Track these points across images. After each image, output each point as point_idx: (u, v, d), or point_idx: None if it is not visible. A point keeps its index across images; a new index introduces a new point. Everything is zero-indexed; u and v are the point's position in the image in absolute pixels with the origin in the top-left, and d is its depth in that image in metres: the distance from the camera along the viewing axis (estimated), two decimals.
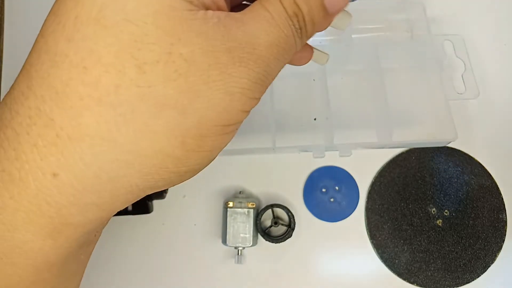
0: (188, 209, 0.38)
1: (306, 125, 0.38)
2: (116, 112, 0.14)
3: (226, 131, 0.16)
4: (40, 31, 0.15)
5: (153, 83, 0.14)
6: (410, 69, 0.39)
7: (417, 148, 0.39)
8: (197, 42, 0.14)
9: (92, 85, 0.14)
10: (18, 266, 0.16)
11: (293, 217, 0.36)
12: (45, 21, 0.15)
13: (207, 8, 0.15)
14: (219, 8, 0.16)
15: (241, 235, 0.35)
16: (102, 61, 0.14)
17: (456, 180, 0.38)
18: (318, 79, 0.39)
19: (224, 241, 0.35)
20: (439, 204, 0.37)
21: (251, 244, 0.35)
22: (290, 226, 0.36)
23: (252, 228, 0.35)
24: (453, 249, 0.36)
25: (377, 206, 0.37)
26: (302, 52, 0.21)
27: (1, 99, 0.16)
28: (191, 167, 0.16)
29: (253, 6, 0.16)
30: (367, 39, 0.40)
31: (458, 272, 0.36)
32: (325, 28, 0.18)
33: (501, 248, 0.36)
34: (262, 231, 0.36)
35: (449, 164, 0.38)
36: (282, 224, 0.36)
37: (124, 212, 0.35)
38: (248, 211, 0.35)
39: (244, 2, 0.19)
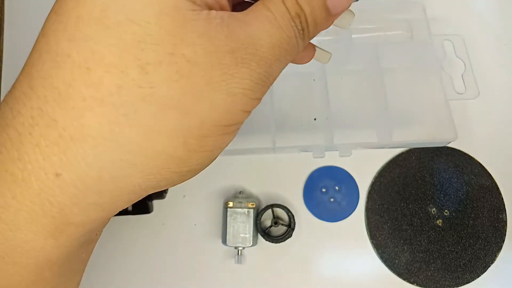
0: (188, 209, 0.38)
1: (306, 125, 0.38)
2: (119, 112, 0.14)
3: (228, 131, 0.16)
4: (41, 30, 0.15)
5: (156, 84, 0.14)
6: (410, 69, 0.39)
7: (417, 148, 0.39)
8: (200, 42, 0.14)
9: (95, 85, 0.14)
10: (19, 265, 0.16)
11: (293, 217, 0.36)
12: (46, 20, 0.15)
13: (210, 7, 0.15)
14: (222, 8, 0.16)
15: (241, 235, 0.35)
16: (105, 62, 0.14)
17: (456, 180, 0.38)
18: (318, 79, 0.39)
19: (224, 241, 0.35)
20: (439, 204, 0.37)
21: (251, 244, 0.35)
22: (290, 226, 0.36)
23: (252, 228, 0.35)
24: (453, 249, 0.36)
25: (377, 206, 0.37)
26: (304, 51, 0.21)
27: (2, 98, 0.16)
28: (192, 167, 0.16)
29: (256, 6, 0.16)
30: (367, 39, 0.41)
31: (458, 272, 0.36)
32: (327, 27, 0.18)
33: (501, 248, 0.36)
34: (262, 231, 0.36)
35: (449, 164, 0.38)
36: (282, 224, 0.36)
37: (124, 212, 0.35)
38: (248, 211, 0.35)
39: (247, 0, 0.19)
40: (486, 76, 0.41)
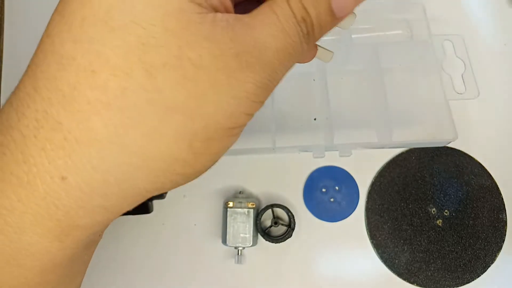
0: (188, 209, 0.38)
1: (306, 125, 0.38)
2: (124, 115, 0.14)
3: (231, 133, 0.16)
4: (46, 30, 0.15)
5: (161, 87, 0.14)
6: (410, 69, 0.39)
7: (417, 148, 0.39)
8: (206, 46, 0.14)
9: (100, 88, 0.14)
10: (24, 267, 0.16)
11: (293, 217, 0.36)
12: (50, 20, 0.15)
13: (215, 9, 0.15)
14: (226, 9, 0.16)
15: (241, 235, 0.35)
16: (110, 64, 0.14)
17: (456, 180, 0.38)
18: (318, 79, 0.39)
19: (224, 241, 0.35)
20: (439, 204, 0.37)
21: (251, 244, 0.35)
22: (290, 226, 0.36)
23: (252, 228, 0.35)
24: (453, 249, 0.36)
25: (377, 206, 0.37)
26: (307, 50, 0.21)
27: (5, 98, 0.16)
28: (197, 169, 0.16)
29: (262, 9, 0.16)
30: (367, 39, 0.41)
31: (458, 272, 0.36)
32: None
33: (501, 248, 0.36)
34: (262, 231, 0.36)
35: (449, 164, 0.38)
36: (282, 224, 0.36)
37: (124, 212, 0.35)
38: (248, 211, 0.35)
39: None
40: (486, 76, 0.41)
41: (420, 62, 0.39)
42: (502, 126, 0.40)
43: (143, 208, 0.36)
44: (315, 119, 0.38)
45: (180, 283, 0.36)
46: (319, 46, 0.21)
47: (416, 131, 0.37)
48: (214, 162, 0.17)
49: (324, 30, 0.17)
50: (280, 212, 0.37)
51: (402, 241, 0.36)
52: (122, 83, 0.14)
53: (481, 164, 0.38)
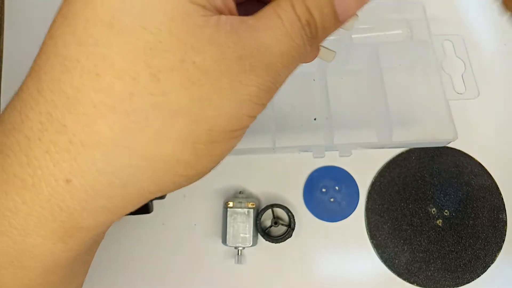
0: (188, 209, 0.38)
1: (306, 125, 0.38)
2: (130, 119, 0.14)
3: (234, 136, 0.16)
4: (49, 32, 0.15)
5: (167, 91, 0.14)
6: (410, 69, 0.39)
7: (417, 148, 0.39)
8: (210, 49, 0.14)
9: (105, 91, 0.14)
10: (28, 269, 0.16)
11: (293, 217, 0.36)
12: (53, 21, 0.15)
13: (220, 11, 0.15)
14: (230, 11, 0.16)
15: (241, 235, 0.35)
16: (115, 68, 0.14)
17: (456, 180, 0.38)
18: (318, 79, 0.39)
19: (224, 241, 0.35)
20: (439, 204, 0.37)
21: (251, 244, 0.35)
22: (290, 226, 0.36)
23: (252, 228, 0.35)
24: (453, 249, 0.36)
25: (377, 206, 0.37)
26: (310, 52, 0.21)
27: (5, 98, 0.16)
28: (200, 171, 0.16)
29: (266, 12, 0.16)
30: (367, 39, 0.40)
31: (458, 272, 0.36)
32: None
33: (501, 248, 0.36)
34: (262, 231, 0.36)
35: (449, 164, 0.38)
36: (282, 224, 0.36)
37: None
38: (248, 211, 0.35)
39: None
40: (486, 76, 0.41)
41: (420, 62, 0.39)
42: (502, 126, 0.40)
43: (143, 208, 0.36)
44: (315, 119, 0.38)
45: (180, 283, 0.36)
46: (322, 46, 0.21)
47: (416, 131, 0.37)
48: (217, 163, 0.17)
49: (327, 33, 0.17)
50: (280, 212, 0.37)
51: (402, 241, 0.36)
52: (128, 87, 0.14)
53: (481, 164, 0.38)
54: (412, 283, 0.36)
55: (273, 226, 0.36)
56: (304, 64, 0.21)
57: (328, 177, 0.38)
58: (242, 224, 0.35)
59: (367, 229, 0.37)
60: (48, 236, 0.16)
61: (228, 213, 0.35)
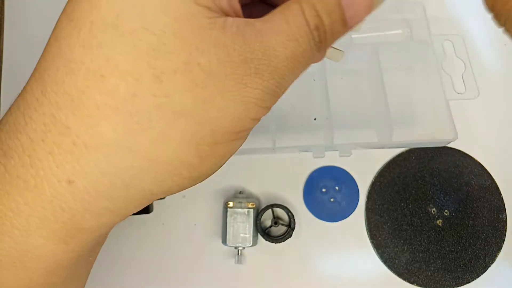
0: (188, 209, 0.38)
1: (306, 125, 0.38)
2: (133, 120, 0.14)
3: (238, 137, 0.16)
4: (53, 33, 0.15)
5: (170, 93, 0.14)
6: (410, 69, 0.39)
7: (417, 148, 0.39)
8: (215, 52, 0.14)
9: (109, 93, 0.14)
10: (30, 270, 0.16)
11: (293, 217, 0.36)
12: (57, 23, 0.15)
13: (225, 13, 0.15)
14: (236, 13, 0.16)
15: (241, 235, 0.35)
16: (119, 69, 0.14)
17: (456, 180, 0.38)
18: (318, 79, 0.39)
19: (224, 241, 0.35)
20: (439, 204, 0.37)
21: (251, 244, 0.35)
22: (290, 226, 0.36)
23: (252, 228, 0.35)
24: (453, 249, 0.36)
25: (377, 206, 0.37)
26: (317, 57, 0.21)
27: (5, 98, 0.16)
28: (203, 172, 0.16)
29: (274, 15, 0.16)
30: (367, 39, 0.40)
31: (458, 272, 0.36)
32: None
33: (501, 248, 0.36)
34: (262, 231, 0.36)
35: (449, 164, 0.38)
36: (282, 224, 0.36)
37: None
38: (248, 211, 0.35)
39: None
40: (486, 76, 0.41)
41: (420, 62, 0.39)
42: (502, 126, 0.40)
43: (143, 208, 0.36)
44: (315, 119, 0.38)
45: (180, 283, 0.36)
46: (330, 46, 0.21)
47: (416, 131, 0.37)
48: (220, 165, 0.17)
49: (335, 38, 0.17)
50: (280, 212, 0.37)
51: (402, 241, 0.36)
52: (131, 88, 0.14)
53: (481, 164, 0.38)
54: (412, 283, 0.36)
55: (273, 226, 0.36)
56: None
57: (328, 177, 0.38)
58: (242, 224, 0.35)
59: (367, 229, 0.37)
60: (50, 237, 0.16)
61: (228, 213, 0.35)
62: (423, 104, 0.38)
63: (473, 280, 0.36)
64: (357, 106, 0.39)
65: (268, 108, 0.17)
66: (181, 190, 0.17)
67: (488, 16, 0.19)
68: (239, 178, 0.38)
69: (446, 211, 0.37)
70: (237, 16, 0.16)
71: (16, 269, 0.16)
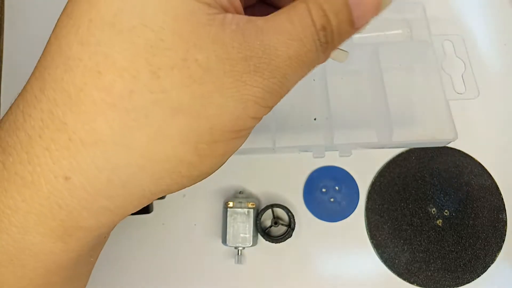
0: (188, 209, 0.38)
1: (306, 125, 0.38)
2: (130, 117, 0.14)
3: (238, 136, 0.16)
4: (53, 32, 0.15)
5: (167, 89, 0.14)
6: (410, 69, 0.39)
7: (417, 148, 0.39)
8: (213, 48, 0.14)
9: (106, 90, 0.14)
10: (28, 268, 0.16)
11: (293, 217, 0.36)
12: (58, 21, 0.15)
13: (225, 9, 0.15)
14: (236, 10, 0.16)
15: (241, 235, 0.35)
16: (116, 66, 0.14)
17: (456, 180, 0.38)
18: (318, 79, 0.39)
19: (224, 241, 0.35)
20: (439, 204, 0.37)
21: (251, 244, 0.35)
22: (290, 226, 0.36)
23: (252, 228, 0.35)
24: (453, 249, 0.36)
25: (377, 206, 0.37)
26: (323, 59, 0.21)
27: (5, 98, 0.16)
28: (203, 171, 0.16)
29: (278, 15, 0.15)
30: (367, 39, 0.40)
31: (458, 272, 0.36)
32: None
33: (501, 248, 0.36)
34: (262, 231, 0.36)
35: (449, 164, 0.38)
36: (282, 224, 0.36)
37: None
38: (248, 211, 0.35)
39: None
40: (486, 76, 0.41)
41: (420, 62, 0.39)
42: (502, 126, 0.40)
43: (143, 208, 0.36)
44: (315, 119, 0.38)
45: (180, 283, 0.36)
46: None
47: (416, 131, 0.37)
48: (220, 164, 0.17)
49: (342, 39, 0.17)
50: (280, 212, 0.37)
51: (402, 241, 0.36)
52: (128, 84, 0.14)
53: (481, 164, 0.38)
54: (412, 283, 0.36)
55: (273, 226, 0.36)
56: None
57: (328, 177, 0.38)
58: (242, 224, 0.35)
59: (367, 229, 0.37)
60: (48, 234, 0.16)
61: (228, 213, 0.35)
62: (423, 104, 0.38)
63: (473, 280, 0.36)
64: (357, 106, 0.39)
65: (270, 108, 0.16)
66: (181, 189, 0.17)
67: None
68: (239, 178, 0.38)
69: (446, 211, 0.37)
70: (238, 13, 0.16)
71: (14, 267, 0.16)
